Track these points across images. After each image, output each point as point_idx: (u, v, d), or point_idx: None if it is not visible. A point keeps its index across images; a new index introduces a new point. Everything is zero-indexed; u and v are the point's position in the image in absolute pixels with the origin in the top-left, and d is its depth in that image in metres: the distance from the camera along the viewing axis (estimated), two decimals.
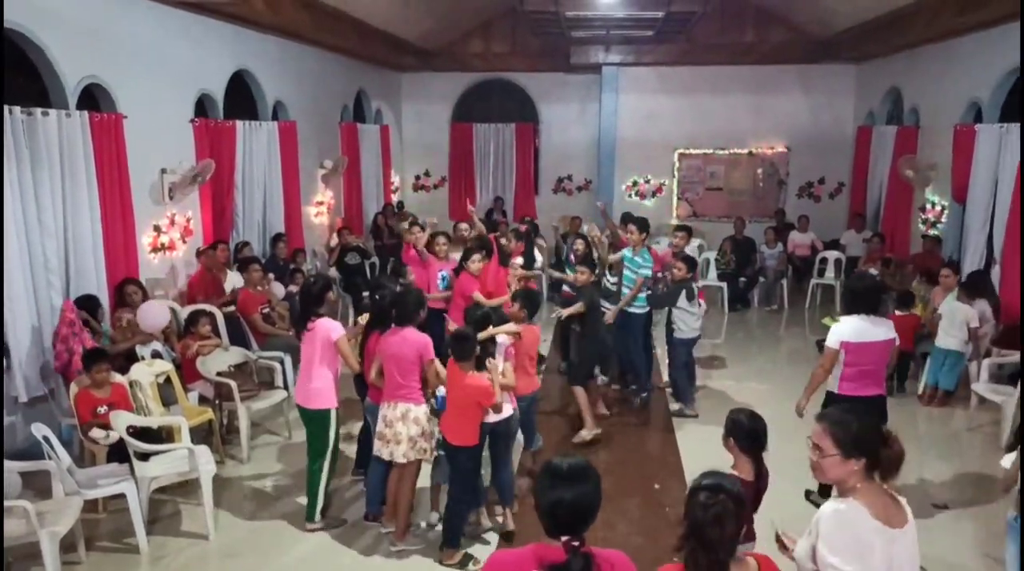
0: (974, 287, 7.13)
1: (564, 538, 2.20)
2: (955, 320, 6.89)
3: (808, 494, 5.14)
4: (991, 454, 5.88)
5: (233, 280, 7.64)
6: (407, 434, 4.54)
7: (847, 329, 4.73)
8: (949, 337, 6.94)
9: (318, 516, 4.87)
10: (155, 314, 6.09)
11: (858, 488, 2.49)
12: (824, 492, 4.66)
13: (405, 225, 8.28)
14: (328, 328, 4.71)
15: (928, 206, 9.93)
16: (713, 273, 11.07)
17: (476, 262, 6.56)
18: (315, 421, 4.79)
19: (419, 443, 4.57)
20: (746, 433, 3.19)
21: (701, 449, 6.00)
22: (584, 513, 2.24)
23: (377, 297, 5.05)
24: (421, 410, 4.60)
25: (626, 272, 6.91)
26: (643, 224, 7.00)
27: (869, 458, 2.49)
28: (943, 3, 8.28)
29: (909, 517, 2.53)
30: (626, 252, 7.00)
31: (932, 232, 9.69)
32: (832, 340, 4.75)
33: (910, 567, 2.52)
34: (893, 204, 10.92)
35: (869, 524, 2.43)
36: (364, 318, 5.19)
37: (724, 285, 10.85)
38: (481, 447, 4.59)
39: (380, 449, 4.63)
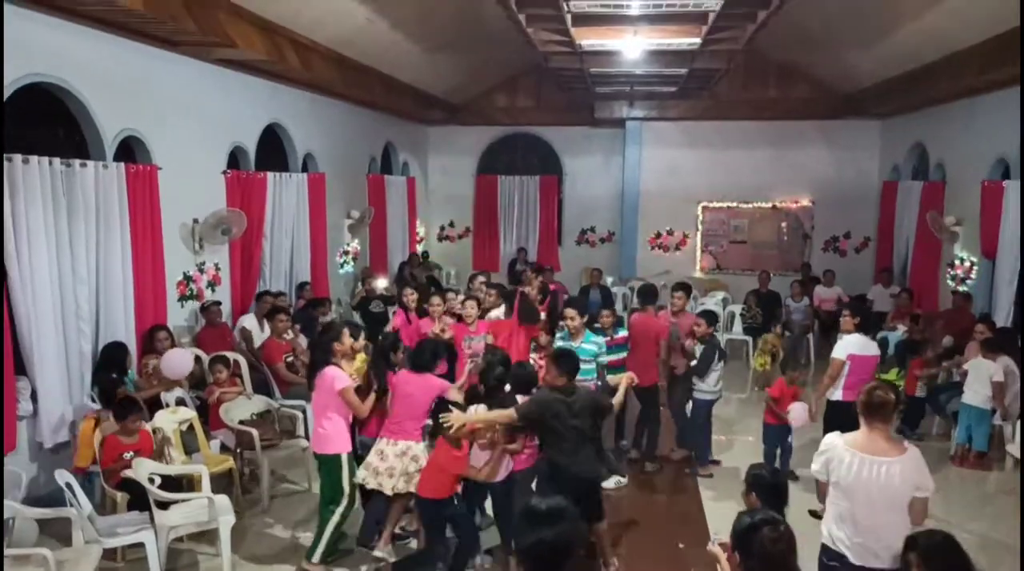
0: (997, 344, 6.99)
1: None
2: (980, 376, 6.78)
3: (812, 513, 5.13)
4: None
5: (245, 323, 7.73)
6: (403, 469, 4.67)
7: (853, 343, 5.80)
8: (974, 393, 6.82)
9: (317, 558, 4.82)
10: (178, 362, 6.14)
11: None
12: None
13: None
14: (333, 377, 4.77)
15: (957, 262, 9.81)
16: (739, 327, 10.96)
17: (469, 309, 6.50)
18: (327, 466, 4.86)
19: (415, 478, 4.69)
20: (768, 488, 3.12)
21: (723, 506, 5.86)
22: (564, 551, 2.27)
23: (380, 337, 5.32)
24: (420, 447, 4.77)
25: (583, 366, 5.31)
26: (583, 308, 6.36)
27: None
28: (966, 61, 8.33)
29: (899, 456, 3.44)
30: (564, 342, 6.08)
31: (962, 288, 9.56)
32: (839, 353, 5.78)
33: (880, 488, 3.40)
34: (921, 259, 10.81)
35: (844, 448, 3.50)
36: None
37: (750, 339, 10.73)
38: (451, 500, 4.63)
39: (367, 479, 4.73)
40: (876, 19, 8.69)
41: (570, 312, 6.18)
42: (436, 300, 7.12)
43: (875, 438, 3.49)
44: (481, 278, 8.35)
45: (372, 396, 4.90)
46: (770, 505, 3.08)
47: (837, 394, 5.86)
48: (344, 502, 4.81)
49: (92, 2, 5.34)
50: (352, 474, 4.83)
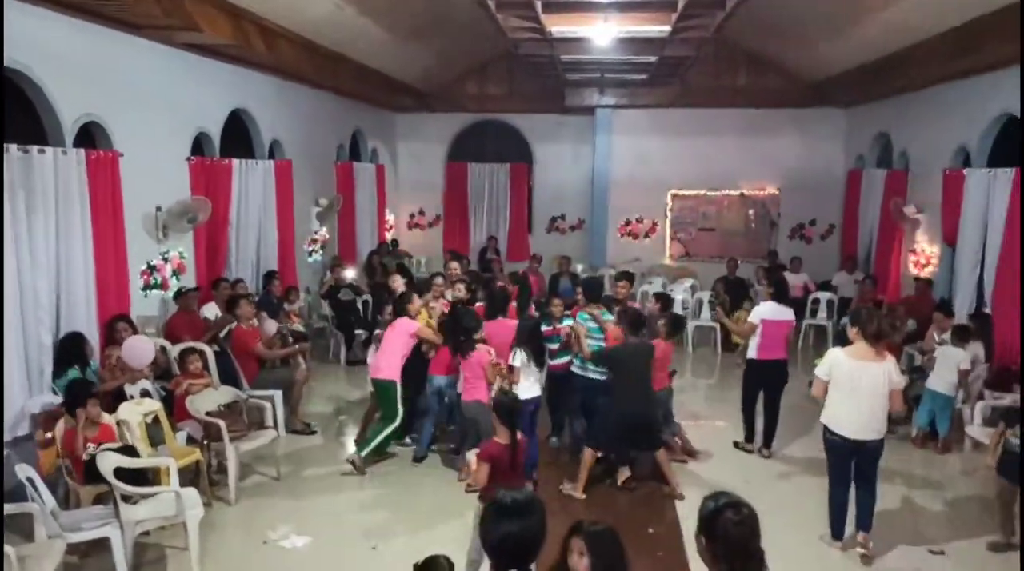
0: (967, 331, 7.14)
1: None
2: (948, 363, 6.89)
3: (736, 444, 6.99)
4: (987, 499, 5.84)
5: (207, 312, 7.61)
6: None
7: (766, 309, 6.71)
8: (940, 380, 6.94)
9: (364, 453, 6.30)
10: (140, 350, 6.02)
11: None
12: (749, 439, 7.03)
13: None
14: (406, 323, 6.47)
15: (919, 249, 10.00)
16: (707, 313, 11.07)
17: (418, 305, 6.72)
18: (385, 390, 6.40)
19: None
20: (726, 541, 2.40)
21: (694, 493, 5.93)
22: (530, 546, 2.30)
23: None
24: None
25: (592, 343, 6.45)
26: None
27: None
28: (932, 50, 8.45)
29: (880, 363, 4.88)
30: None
31: (924, 274, 9.75)
32: (753, 317, 6.72)
33: (869, 385, 4.87)
34: (884, 246, 11.00)
35: (842, 356, 4.98)
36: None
37: (717, 325, 10.85)
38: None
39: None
40: (843, 9, 8.77)
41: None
42: (416, 301, 6.78)
43: (861, 349, 4.95)
44: (454, 264, 8.31)
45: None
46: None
47: (753, 353, 6.80)
48: (396, 421, 6.33)
49: None
50: (404, 400, 6.35)
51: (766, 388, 6.86)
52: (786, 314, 6.76)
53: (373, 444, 6.36)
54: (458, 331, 6.08)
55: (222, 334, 7.35)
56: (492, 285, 7.59)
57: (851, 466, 5.09)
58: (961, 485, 6.45)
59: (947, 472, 6.69)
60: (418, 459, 6.62)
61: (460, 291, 7.39)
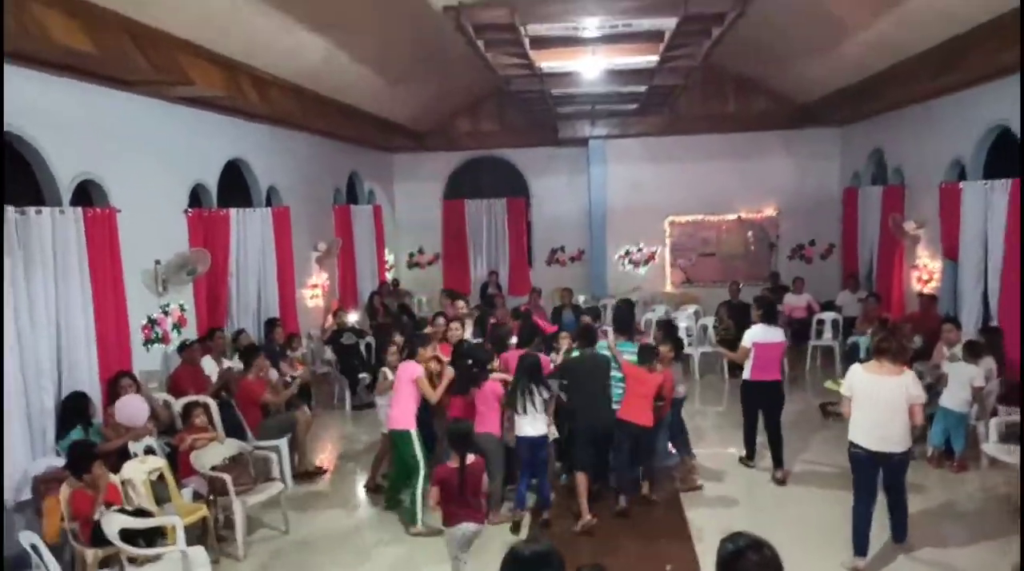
0: (979, 346, 7.04)
1: None
2: (960, 380, 6.79)
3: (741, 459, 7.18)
4: (1007, 516, 5.73)
5: (204, 364, 7.55)
6: None
7: (757, 332, 6.83)
8: (953, 397, 6.83)
9: (419, 522, 5.88)
10: (132, 408, 5.95)
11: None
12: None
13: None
14: (411, 368, 6.14)
15: (921, 264, 9.97)
16: (712, 339, 10.99)
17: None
18: (401, 440, 6.06)
19: None
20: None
21: (712, 524, 5.84)
22: None
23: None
24: None
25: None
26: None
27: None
28: (916, 68, 8.52)
29: (898, 377, 5.03)
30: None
31: (927, 289, 9.70)
32: (746, 341, 6.84)
33: (887, 398, 5.01)
34: (886, 263, 10.98)
35: (861, 371, 5.20)
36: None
37: (724, 351, 10.74)
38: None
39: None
40: (827, 30, 8.87)
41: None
42: (422, 352, 6.55)
43: (880, 365, 5.10)
44: (461, 303, 8.26)
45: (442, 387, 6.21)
46: None
47: (747, 374, 6.94)
48: (422, 471, 5.89)
49: (41, 46, 5.20)
50: (421, 446, 5.99)
51: (764, 409, 6.94)
52: (777, 335, 6.95)
53: (417, 507, 5.91)
54: (472, 364, 6.12)
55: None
56: (487, 321, 7.91)
57: (876, 480, 5.17)
58: (980, 504, 6.32)
59: (966, 491, 6.56)
60: None
61: (458, 330, 7.33)
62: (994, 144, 8.61)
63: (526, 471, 6.04)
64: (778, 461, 6.88)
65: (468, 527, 4.66)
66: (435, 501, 4.71)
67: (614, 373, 6.27)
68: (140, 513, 4.92)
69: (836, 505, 5.77)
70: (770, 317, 7.03)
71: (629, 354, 6.39)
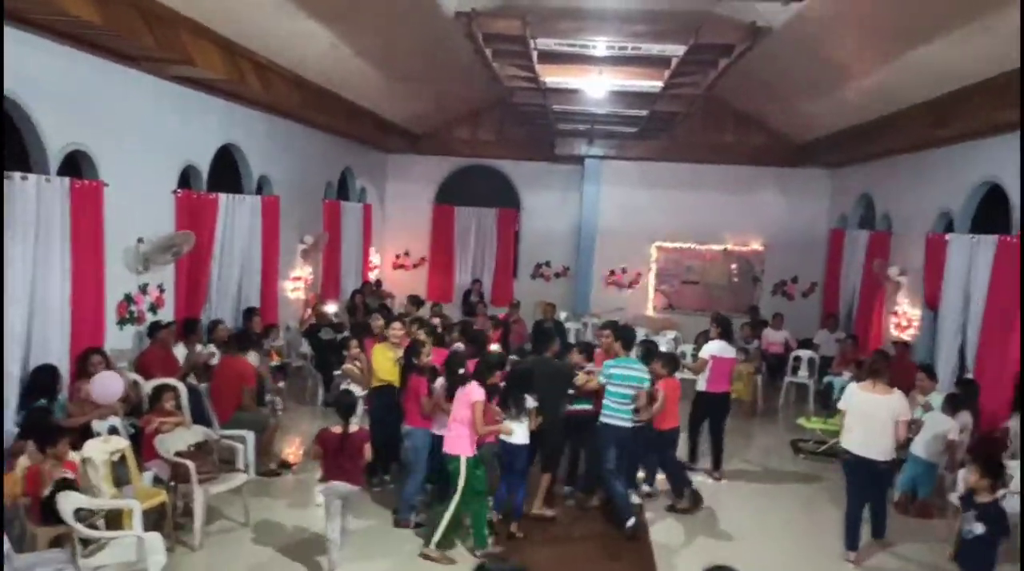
0: (959, 400, 7.07)
1: None
2: (935, 430, 6.81)
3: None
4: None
5: (179, 353, 7.44)
6: None
7: (715, 347, 7.71)
8: (925, 446, 6.85)
9: (433, 547, 5.56)
10: (108, 385, 5.85)
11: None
12: None
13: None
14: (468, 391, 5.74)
15: (900, 311, 10.06)
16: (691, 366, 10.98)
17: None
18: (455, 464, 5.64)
19: None
20: None
21: (679, 557, 5.82)
22: None
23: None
24: None
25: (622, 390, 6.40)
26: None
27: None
28: (912, 118, 8.63)
29: (887, 396, 5.75)
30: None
31: (904, 336, 9.77)
32: (704, 354, 7.69)
33: (877, 415, 5.72)
34: (866, 307, 11.07)
35: (856, 389, 5.91)
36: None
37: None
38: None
39: None
40: (829, 74, 8.97)
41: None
42: (397, 325, 6.95)
43: (874, 385, 5.83)
44: (397, 325, 7.96)
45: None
46: None
47: (702, 385, 7.71)
48: (456, 497, 5.53)
49: (46, 12, 5.13)
50: (470, 475, 5.54)
51: (711, 417, 7.77)
52: (731, 352, 7.97)
53: (440, 527, 5.57)
54: (454, 370, 6.02)
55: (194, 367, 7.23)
56: (469, 327, 8.02)
57: (865, 485, 5.91)
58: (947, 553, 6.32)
59: (936, 536, 6.50)
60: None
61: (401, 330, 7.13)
62: (983, 200, 8.72)
63: (506, 477, 6.06)
64: (717, 464, 7.76)
65: (340, 487, 5.18)
66: (314, 456, 5.53)
67: (621, 389, 6.23)
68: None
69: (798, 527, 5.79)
70: (727, 335, 8.00)
71: (635, 370, 6.39)
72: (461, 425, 5.58)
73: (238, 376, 7.04)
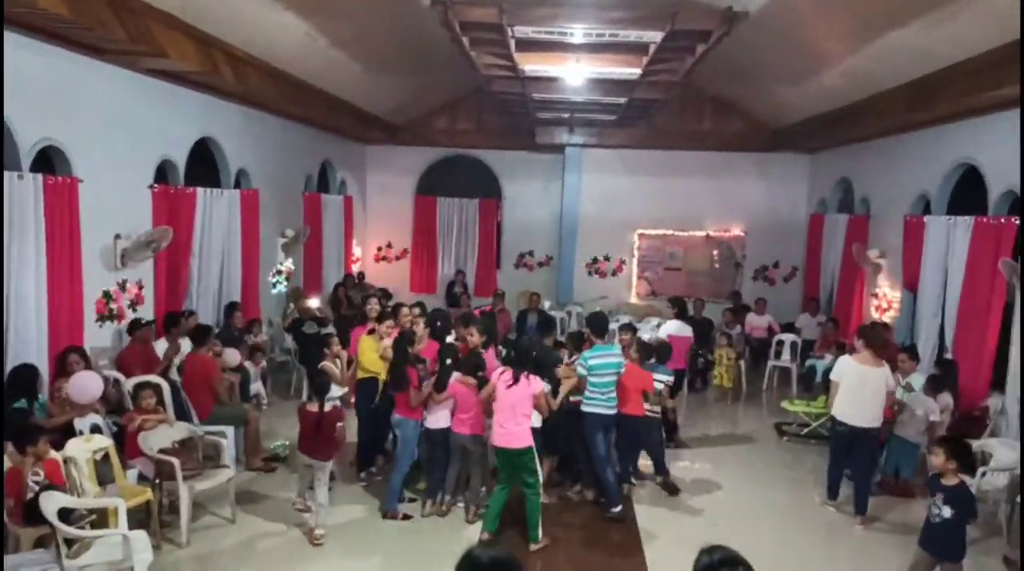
0: (940, 380, 7.19)
1: None
2: (917, 412, 6.90)
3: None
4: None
5: (161, 348, 7.36)
6: None
7: (671, 327, 8.69)
8: (907, 427, 6.95)
9: (537, 542, 5.70)
10: (86, 385, 5.78)
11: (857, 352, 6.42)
12: None
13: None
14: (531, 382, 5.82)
15: (880, 293, 10.17)
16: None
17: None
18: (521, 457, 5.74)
19: None
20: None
21: (664, 541, 5.86)
22: None
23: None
24: None
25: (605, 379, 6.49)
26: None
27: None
28: (889, 101, 8.69)
29: (879, 369, 6.22)
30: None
31: (884, 318, 9.88)
32: (662, 333, 8.48)
33: (868, 384, 6.20)
34: (846, 290, 11.17)
35: (848, 360, 6.35)
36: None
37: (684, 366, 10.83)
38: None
39: None
40: (805, 60, 9.01)
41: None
42: (389, 322, 6.88)
43: (865, 357, 6.27)
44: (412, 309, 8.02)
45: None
46: None
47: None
48: (541, 481, 5.76)
49: (13, 5, 5.01)
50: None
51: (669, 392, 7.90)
52: (687, 331, 8.73)
53: (536, 521, 5.72)
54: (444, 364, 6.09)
55: (176, 364, 7.14)
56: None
57: (848, 450, 6.41)
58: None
59: (916, 516, 6.60)
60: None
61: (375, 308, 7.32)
62: (960, 181, 8.82)
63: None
64: (670, 434, 8.02)
65: (312, 461, 5.67)
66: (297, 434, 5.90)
67: (603, 379, 6.28)
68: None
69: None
70: (682, 315, 8.91)
71: (612, 356, 6.43)
72: (526, 419, 5.70)
73: (202, 372, 6.97)
